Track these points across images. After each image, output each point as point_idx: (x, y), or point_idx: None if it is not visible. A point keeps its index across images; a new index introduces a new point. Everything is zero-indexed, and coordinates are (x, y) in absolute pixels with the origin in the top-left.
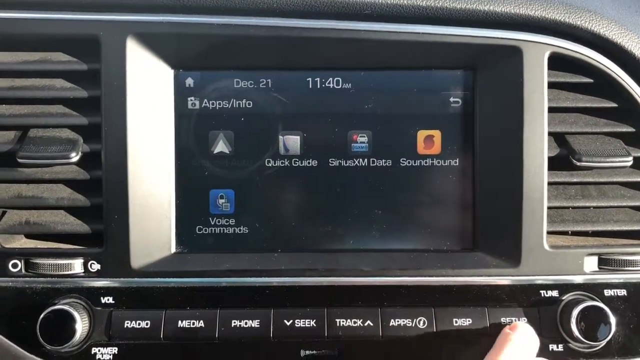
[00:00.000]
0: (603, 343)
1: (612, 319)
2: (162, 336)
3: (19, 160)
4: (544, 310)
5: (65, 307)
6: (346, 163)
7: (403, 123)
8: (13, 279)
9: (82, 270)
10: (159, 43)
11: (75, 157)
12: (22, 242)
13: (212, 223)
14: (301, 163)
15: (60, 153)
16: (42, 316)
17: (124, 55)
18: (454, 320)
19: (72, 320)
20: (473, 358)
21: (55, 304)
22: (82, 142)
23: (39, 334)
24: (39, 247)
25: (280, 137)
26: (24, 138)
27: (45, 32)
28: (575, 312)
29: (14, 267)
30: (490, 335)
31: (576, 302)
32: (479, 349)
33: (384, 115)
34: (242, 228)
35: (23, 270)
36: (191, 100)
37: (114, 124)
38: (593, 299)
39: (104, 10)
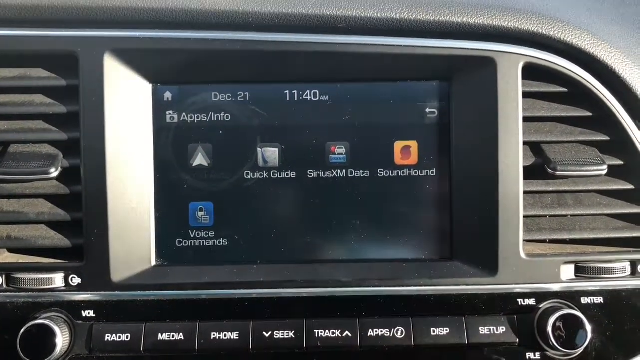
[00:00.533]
0: (580, 350)
1: (589, 327)
2: (142, 349)
3: (0, 174)
4: (521, 318)
5: (46, 322)
6: (324, 174)
7: (380, 134)
8: None
9: (63, 285)
10: (136, 58)
11: (54, 172)
12: (3, 257)
13: (192, 236)
14: (280, 175)
15: (40, 169)
16: (22, 331)
17: (102, 71)
18: (432, 330)
19: (52, 334)
20: None
21: (36, 319)
22: (62, 157)
23: (19, 348)
24: (20, 261)
25: (259, 149)
26: (4, 154)
27: (24, 49)
28: (551, 320)
29: None
30: (468, 344)
31: (553, 310)
32: (458, 359)
33: (361, 127)
34: (221, 240)
35: (4, 285)
36: (169, 114)
37: (93, 139)
38: (570, 307)
39: (82, 27)
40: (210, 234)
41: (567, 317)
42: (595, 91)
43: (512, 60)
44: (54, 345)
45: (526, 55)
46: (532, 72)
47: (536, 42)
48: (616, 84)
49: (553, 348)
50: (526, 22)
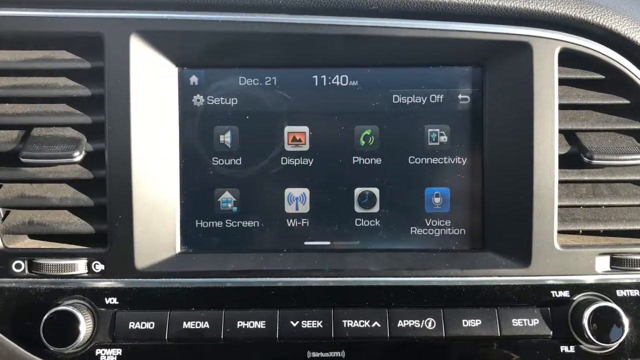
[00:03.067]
0: (616, 344)
1: (625, 320)
2: (166, 337)
3: (22, 159)
4: (555, 311)
5: (69, 308)
6: (353, 161)
7: (411, 120)
8: (16, 279)
9: (86, 271)
10: (162, 41)
11: (78, 156)
12: (25, 243)
13: (217, 222)
14: (307, 161)
15: (63, 152)
16: (45, 317)
17: (128, 53)
18: (464, 321)
19: (75, 321)
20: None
21: (58, 305)
22: (86, 141)
23: (42, 335)
24: (42, 247)
25: (286, 135)
26: (27, 137)
27: (48, 30)
28: (587, 313)
29: (17, 267)
30: (501, 336)
31: (588, 303)
32: (490, 351)
33: (391, 113)
34: (247, 227)
35: (26, 271)
36: (196, 98)
37: (118, 123)
38: (605, 300)
39: (108, 8)
40: (236, 220)
41: (602, 310)
42: (634, 77)
43: (548, 46)
44: (77, 332)
45: (563, 41)
46: (567, 58)
47: (573, 27)
48: None
49: (588, 341)
50: (563, 6)
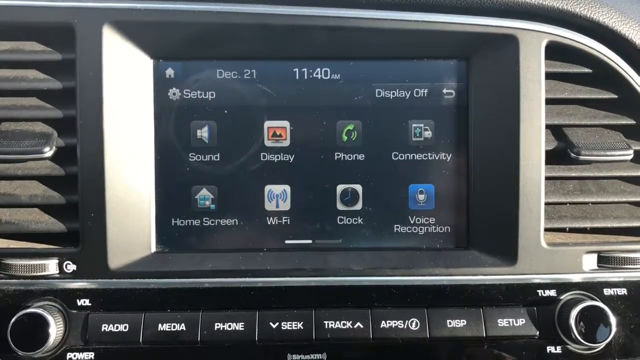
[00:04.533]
0: (603, 344)
1: (613, 320)
2: (141, 340)
3: None
4: (541, 310)
5: (38, 311)
6: (335, 157)
7: (394, 115)
8: None
9: (57, 271)
10: (137, 32)
11: (49, 151)
12: None
13: (194, 221)
14: (288, 157)
15: (33, 148)
16: (13, 320)
17: (100, 44)
18: (448, 321)
19: (45, 324)
20: None
21: (27, 307)
22: (57, 136)
23: (9, 339)
24: (11, 247)
25: (266, 130)
26: None
27: (17, 20)
28: (574, 313)
29: None
30: (487, 337)
31: (575, 302)
32: (475, 352)
33: (374, 107)
34: (225, 226)
35: None
36: (172, 91)
37: (90, 117)
38: (592, 299)
39: None
40: (213, 219)
41: (589, 310)
42: (622, 72)
43: (535, 38)
44: (47, 336)
45: (550, 34)
46: (555, 51)
47: (560, 20)
48: None
49: (575, 342)
50: None
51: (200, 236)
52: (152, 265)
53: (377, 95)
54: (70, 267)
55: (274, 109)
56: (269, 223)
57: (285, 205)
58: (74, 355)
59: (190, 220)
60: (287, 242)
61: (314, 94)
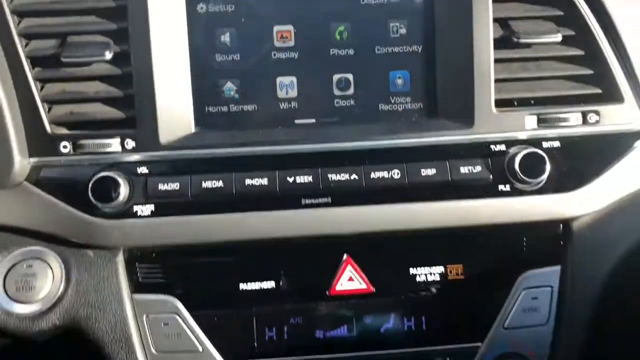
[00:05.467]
0: (541, 180)
1: (548, 162)
2: (189, 194)
3: (63, 60)
4: (493, 160)
5: (111, 174)
6: (330, 53)
7: (376, 17)
8: (64, 157)
9: (120, 149)
10: None
11: (109, 55)
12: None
13: (223, 107)
14: (293, 55)
15: (96, 53)
16: (92, 181)
17: None
18: (422, 171)
19: (117, 184)
20: (435, 198)
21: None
22: (113, 44)
23: (90, 196)
24: (83, 132)
25: (275, 33)
26: (64, 44)
27: None
28: (518, 158)
29: (64, 148)
30: (452, 182)
31: (519, 151)
32: (444, 191)
33: (360, 11)
34: (247, 111)
35: (71, 151)
36: (200, 5)
37: (139, 28)
38: (533, 149)
39: None
40: (238, 105)
41: (530, 155)
42: None
43: None
44: (118, 193)
45: None
46: None
47: None
48: None
49: (520, 181)
50: None
51: (228, 119)
52: (193, 140)
53: (361, 2)
54: (130, 144)
55: (281, 15)
56: (281, 107)
57: (293, 93)
58: (139, 208)
59: (219, 107)
60: (296, 121)
61: (313, 3)
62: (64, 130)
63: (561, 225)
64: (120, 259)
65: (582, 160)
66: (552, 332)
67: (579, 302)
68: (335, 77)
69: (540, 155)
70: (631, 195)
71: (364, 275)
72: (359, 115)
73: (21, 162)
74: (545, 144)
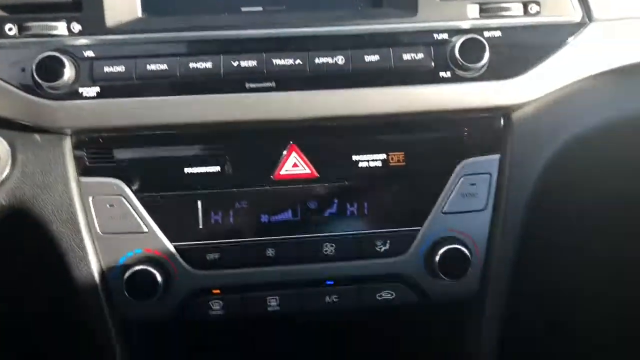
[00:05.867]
0: (482, 70)
1: (488, 49)
2: (134, 76)
3: None
4: (436, 49)
5: (56, 54)
6: None
7: None
8: (9, 40)
9: (67, 32)
10: None
11: None
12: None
13: None
14: None
15: None
16: (36, 60)
17: None
18: (365, 57)
19: (62, 64)
20: (378, 84)
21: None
22: None
23: (35, 74)
24: (28, 15)
25: None
26: None
27: None
28: (458, 44)
29: (9, 30)
30: (394, 68)
31: (460, 38)
32: (383, 78)
33: None
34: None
35: (17, 33)
36: None
37: None
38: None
39: None
40: None
41: (471, 40)
42: None
43: None
44: (62, 74)
45: None
46: None
47: None
48: None
49: (461, 67)
50: None
51: (175, 4)
52: (139, 25)
53: None
54: (77, 27)
55: None
56: None
57: None
58: (85, 89)
59: None
60: (242, 9)
61: None
62: (9, 14)
63: (501, 114)
64: (67, 143)
65: (522, 49)
66: (490, 217)
67: (517, 189)
68: None
69: (480, 40)
70: (569, 87)
71: (308, 162)
72: (305, 2)
73: None
74: (487, 34)
